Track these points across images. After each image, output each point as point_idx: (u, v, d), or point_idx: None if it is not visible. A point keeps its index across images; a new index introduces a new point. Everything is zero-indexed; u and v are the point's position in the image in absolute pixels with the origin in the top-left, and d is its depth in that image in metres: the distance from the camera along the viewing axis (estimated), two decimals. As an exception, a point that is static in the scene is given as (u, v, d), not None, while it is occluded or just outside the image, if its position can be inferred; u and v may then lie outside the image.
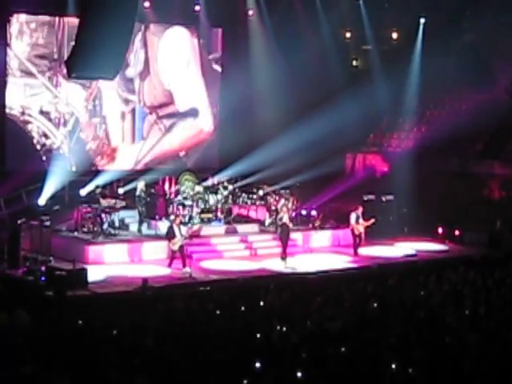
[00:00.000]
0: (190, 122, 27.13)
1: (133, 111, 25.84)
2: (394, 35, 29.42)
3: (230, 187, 24.58)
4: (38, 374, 10.01)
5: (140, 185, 23.00)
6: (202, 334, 12.36)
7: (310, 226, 24.36)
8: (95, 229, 21.61)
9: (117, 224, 22.35)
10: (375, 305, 14.81)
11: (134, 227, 22.80)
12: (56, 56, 24.05)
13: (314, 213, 24.76)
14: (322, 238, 24.23)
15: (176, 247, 19.98)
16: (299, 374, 10.23)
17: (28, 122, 24.01)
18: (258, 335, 12.21)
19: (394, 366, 10.48)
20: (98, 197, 22.45)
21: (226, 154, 26.50)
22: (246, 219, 24.59)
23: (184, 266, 19.72)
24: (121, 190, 23.83)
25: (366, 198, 25.57)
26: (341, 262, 21.89)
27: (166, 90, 26.36)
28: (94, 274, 18.58)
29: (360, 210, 23.03)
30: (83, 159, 24.83)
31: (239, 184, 25.38)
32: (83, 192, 23.14)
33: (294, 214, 23.63)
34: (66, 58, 23.11)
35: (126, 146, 25.85)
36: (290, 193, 24.93)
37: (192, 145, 27.22)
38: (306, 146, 25.67)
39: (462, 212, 25.41)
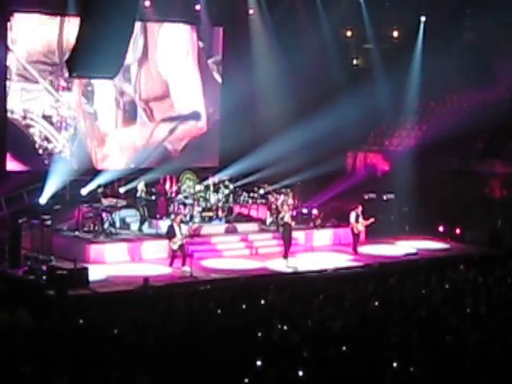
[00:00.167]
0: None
1: (125, 105, 25.69)
2: (395, 34, 29.38)
3: (231, 186, 24.58)
4: (38, 374, 10.01)
5: (140, 184, 23.01)
6: (203, 333, 12.36)
7: (311, 224, 24.36)
8: (96, 228, 21.61)
9: (118, 223, 22.35)
10: (376, 304, 14.82)
11: (135, 226, 22.80)
12: (57, 60, 24.03)
13: (315, 211, 24.76)
14: (323, 236, 24.23)
15: (176, 246, 19.99)
16: (300, 373, 10.24)
17: (30, 126, 23.96)
18: (259, 334, 12.21)
19: (395, 365, 10.49)
20: (99, 196, 22.47)
21: (227, 152, 26.48)
22: (247, 218, 24.59)
23: (183, 264, 19.72)
24: (122, 190, 23.83)
25: (366, 197, 25.62)
26: (342, 260, 21.88)
27: (163, 81, 26.20)
28: (95, 273, 18.59)
29: (360, 208, 23.05)
30: (85, 162, 24.81)
31: (240, 183, 25.37)
32: (84, 191, 23.14)
33: (294, 213, 23.60)
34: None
35: (119, 131, 25.72)
36: (290, 189, 24.88)
37: (184, 137, 26.89)
38: (307, 144, 25.68)
39: (463, 211, 25.41)
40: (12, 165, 23.64)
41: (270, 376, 10.19)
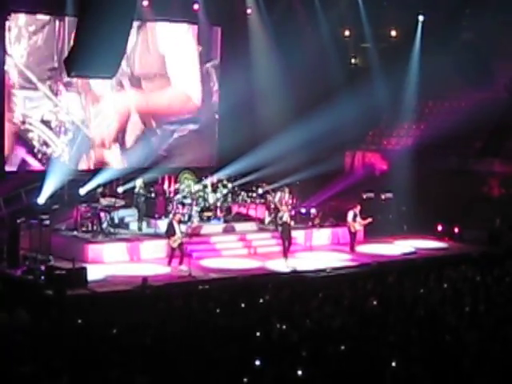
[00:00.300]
0: (178, 87, 26.82)
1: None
2: (393, 33, 29.38)
3: (230, 185, 24.59)
4: (37, 373, 10.01)
5: (139, 183, 23.01)
6: (202, 333, 12.36)
7: (310, 224, 24.36)
8: (94, 228, 21.61)
9: (116, 223, 22.34)
10: (375, 303, 14.82)
11: (133, 226, 22.80)
12: (56, 64, 23.98)
13: (313, 211, 24.76)
14: (322, 236, 24.23)
15: (175, 244, 19.98)
16: (299, 372, 10.24)
17: (29, 131, 23.96)
18: (258, 333, 12.21)
19: (393, 364, 10.49)
20: (97, 196, 22.46)
21: (226, 152, 26.49)
22: (246, 218, 24.59)
23: (181, 263, 19.72)
24: (120, 189, 23.83)
25: (365, 196, 25.61)
26: (340, 260, 21.89)
27: (160, 56, 26.19)
28: (94, 272, 18.59)
29: (358, 208, 23.08)
30: (83, 164, 24.88)
31: (238, 182, 25.38)
32: (82, 191, 23.13)
33: (293, 212, 23.59)
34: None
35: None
36: (286, 186, 24.83)
37: (178, 111, 26.81)
38: (305, 144, 25.69)
39: (461, 210, 25.42)
40: (10, 166, 23.65)
41: (269, 375, 10.19)
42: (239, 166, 25.30)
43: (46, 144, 24.17)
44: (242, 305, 14.80)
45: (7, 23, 23.19)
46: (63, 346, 11.29)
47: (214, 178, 24.85)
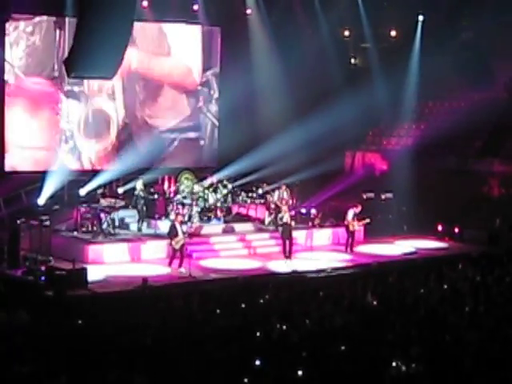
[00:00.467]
0: (179, 58, 26.79)
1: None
2: (393, 33, 29.38)
3: (230, 186, 24.59)
4: (37, 374, 10.01)
5: (138, 184, 23.01)
6: (202, 333, 12.36)
7: (310, 224, 24.37)
8: (95, 228, 21.61)
9: (117, 223, 22.34)
10: (375, 303, 14.83)
11: (133, 226, 22.80)
12: (57, 74, 23.98)
13: (313, 211, 24.76)
14: (322, 236, 24.23)
15: (178, 246, 19.92)
16: (299, 373, 10.24)
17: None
18: (258, 334, 12.21)
19: (394, 364, 10.49)
20: (97, 196, 22.46)
21: (226, 152, 26.50)
22: (246, 218, 24.59)
23: (180, 265, 19.70)
24: (120, 190, 23.82)
25: (365, 196, 25.61)
26: (341, 260, 21.89)
27: (162, 32, 26.22)
28: (94, 273, 18.59)
29: (359, 208, 23.08)
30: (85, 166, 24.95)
31: (238, 183, 25.38)
32: (83, 192, 23.14)
33: (293, 212, 23.59)
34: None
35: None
36: (283, 183, 24.77)
37: (178, 82, 26.74)
38: (306, 144, 25.70)
39: (461, 210, 25.42)
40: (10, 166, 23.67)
41: (269, 375, 10.19)
42: (239, 167, 25.31)
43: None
44: (242, 305, 14.80)
45: (10, 29, 23.22)
46: (63, 347, 11.29)
47: (214, 179, 24.85)
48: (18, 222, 20.18)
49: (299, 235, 23.31)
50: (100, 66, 17.07)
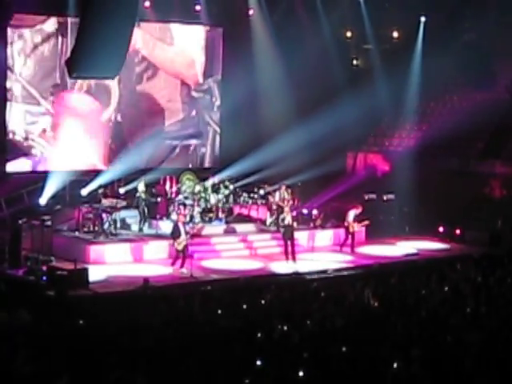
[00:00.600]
0: (182, 47, 26.82)
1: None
2: (395, 34, 29.41)
3: (231, 186, 24.59)
4: (38, 374, 10.01)
5: (140, 184, 23.01)
6: (204, 334, 12.36)
7: (311, 225, 24.37)
8: (96, 228, 21.61)
9: (118, 224, 22.35)
10: (376, 304, 14.82)
11: (135, 227, 22.81)
12: (59, 81, 24.02)
13: (315, 212, 24.75)
14: (324, 237, 24.23)
15: (181, 247, 19.89)
16: (301, 373, 10.24)
17: (31, 147, 23.94)
18: (260, 334, 12.21)
19: (395, 365, 10.48)
20: (99, 196, 22.47)
21: (227, 153, 26.52)
22: (247, 219, 24.59)
23: (182, 266, 19.70)
24: (122, 190, 23.84)
25: (367, 198, 25.63)
26: (342, 261, 21.88)
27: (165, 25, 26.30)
28: (95, 273, 18.60)
29: (359, 209, 23.08)
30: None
31: (240, 183, 25.38)
32: (84, 192, 23.16)
33: (295, 213, 23.57)
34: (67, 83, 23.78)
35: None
36: (283, 183, 24.75)
37: (180, 72, 26.72)
38: (307, 145, 25.69)
39: (463, 211, 25.42)
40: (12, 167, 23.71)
41: (270, 376, 10.19)
42: (241, 167, 25.32)
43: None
44: (244, 306, 14.79)
45: (15, 37, 23.27)
46: (64, 347, 11.29)
47: (216, 179, 24.86)
48: (20, 221, 20.20)
49: (301, 236, 23.30)
50: (102, 66, 17.06)
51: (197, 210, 23.15)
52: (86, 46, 16.64)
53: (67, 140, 24.42)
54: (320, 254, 22.70)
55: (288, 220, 21.44)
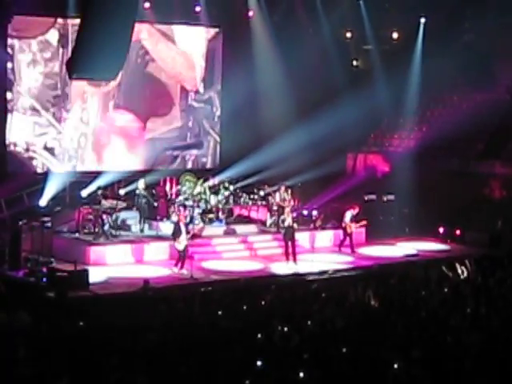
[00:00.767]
0: (183, 48, 26.73)
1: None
2: (395, 35, 29.37)
3: (231, 188, 24.59)
4: (38, 375, 10.01)
5: (140, 185, 23.01)
6: (204, 335, 12.36)
7: (312, 226, 24.37)
8: (96, 230, 21.61)
9: (118, 225, 22.35)
10: (376, 304, 14.82)
11: (135, 228, 22.81)
12: (60, 92, 24.04)
13: (315, 213, 24.75)
14: (324, 237, 24.23)
15: (182, 246, 19.89)
16: (301, 375, 10.24)
17: (32, 158, 23.95)
18: (260, 336, 12.20)
19: (396, 366, 10.48)
20: (99, 198, 22.47)
21: (227, 154, 26.52)
22: (248, 220, 24.58)
23: (182, 267, 19.69)
24: (122, 191, 23.84)
25: (366, 198, 25.63)
26: (342, 262, 21.88)
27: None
28: (96, 275, 18.60)
29: (356, 210, 23.10)
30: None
31: (240, 184, 25.38)
32: (84, 193, 23.16)
33: (295, 214, 23.57)
34: (68, 94, 23.83)
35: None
36: (283, 184, 24.73)
37: (180, 73, 26.64)
38: (307, 146, 25.71)
39: (463, 212, 25.41)
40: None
41: (270, 377, 10.18)
42: (241, 168, 25.33)
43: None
44: (244, 307, 14.79)
45: (16, 47, 23.30)
46: (64, 349, 11.29)
47: (216, 180, 24.86)
48: (20, 223, 20.21)
49: (301, 237, 23.29)
50: (102, 67, 17.03)
51: (197, 211, 23.15)
52: (85, 47, 16.63)
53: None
54: (320, 254, 22.69)
55: (288, 221, 21.44)
